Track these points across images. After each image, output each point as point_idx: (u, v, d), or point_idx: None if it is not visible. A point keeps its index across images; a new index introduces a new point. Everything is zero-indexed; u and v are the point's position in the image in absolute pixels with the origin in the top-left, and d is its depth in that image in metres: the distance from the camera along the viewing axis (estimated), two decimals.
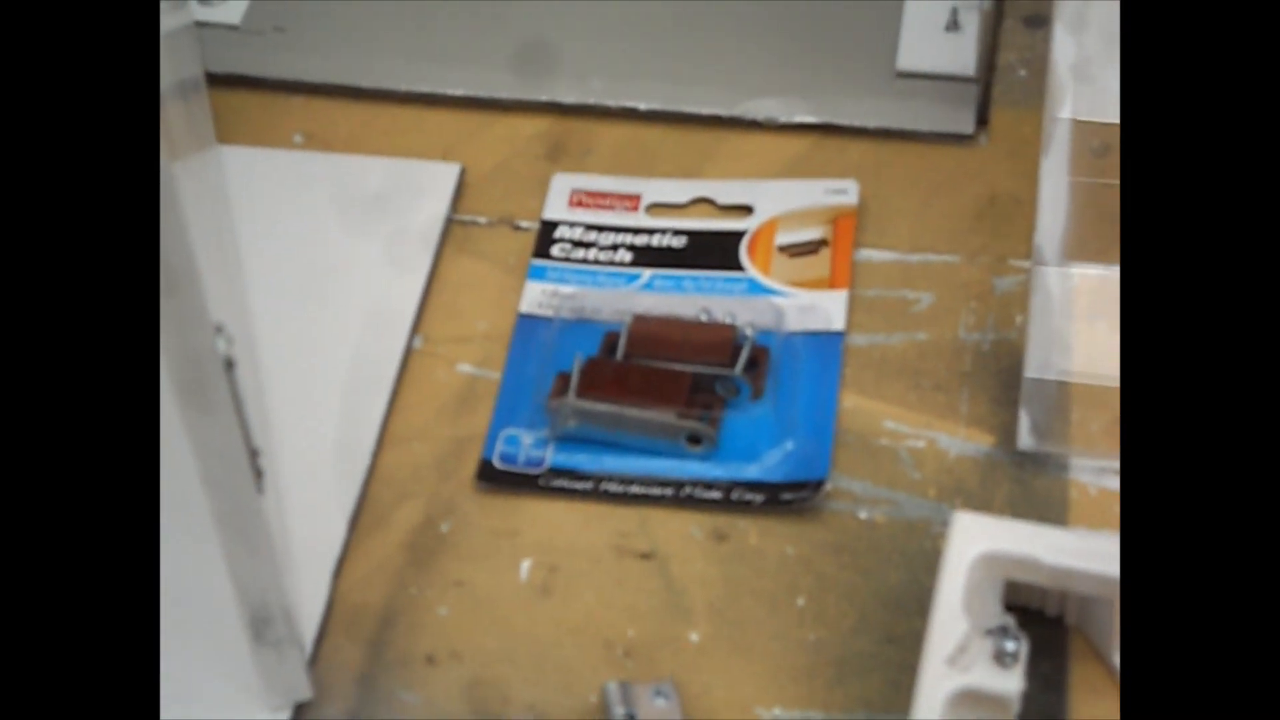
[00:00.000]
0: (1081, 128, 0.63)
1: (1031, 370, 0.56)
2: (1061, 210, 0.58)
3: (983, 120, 0.65)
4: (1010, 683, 0.47)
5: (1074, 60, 0.60)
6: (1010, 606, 0.51)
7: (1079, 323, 0.59)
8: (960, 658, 0.47)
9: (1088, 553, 0.49)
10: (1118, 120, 0.63)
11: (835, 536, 0.55)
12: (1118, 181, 0.61)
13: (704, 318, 0.59)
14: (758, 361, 0.58)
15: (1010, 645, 0.47)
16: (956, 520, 0.50)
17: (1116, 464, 0.55)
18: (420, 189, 0.65)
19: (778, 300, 0.60)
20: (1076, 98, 0.61)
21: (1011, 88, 0.67)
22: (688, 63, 0.67)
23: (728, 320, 0.59)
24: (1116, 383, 0.56)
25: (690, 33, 0.69)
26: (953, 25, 0.68)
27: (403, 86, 0.68)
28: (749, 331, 0.58)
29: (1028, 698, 0.47)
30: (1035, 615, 0.51)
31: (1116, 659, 0.50)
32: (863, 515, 0.55)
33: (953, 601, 0.48)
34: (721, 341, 0.58)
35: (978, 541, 0.49)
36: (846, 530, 0.55)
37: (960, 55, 0.66)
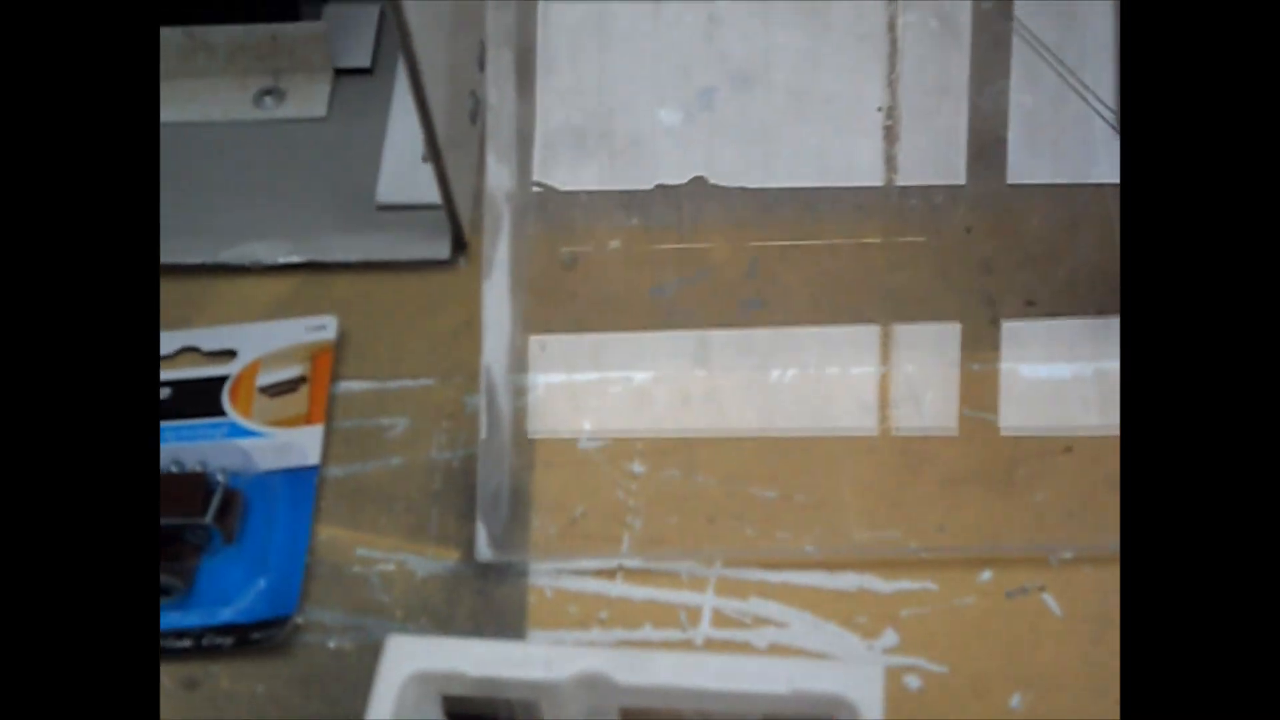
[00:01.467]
0: (551, 240, 0.67)
1: (484, 483, 0.59)
2: (506, 328, 0.62)
3: (460, 245, 0.68)
4: None
5: (509, 187, 0.63)
6: (463, 715, 0.53)
7: (551, 424, 0.62)
8: None
9: (507, 661, 0.51)
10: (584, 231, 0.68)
11: (304, 669, 0.56)
12: (584, 289, 0.65)
13: (175, 469, 0.60)
14: (230, 505, 0.59)
15: None
16: (388, 643, 0.52)
17: (573, 565, 0.58)
18: None
19: (247, 442, 0.61)
20: (526, 219, 0.65)
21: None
22: (171, 214, 0.69)
23: (198, 468, 0.60)
24: (571, 491, 0.60)
25: (171, 182, 0.71)
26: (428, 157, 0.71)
27: None
28: (220, 477, 0.60)
29: None
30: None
31: None
32: (332, 645, 0.57)
33: None
34: (192, 491, 0.59)
35: (409, 662, 0.52)
36: (315, 662, 0.56)
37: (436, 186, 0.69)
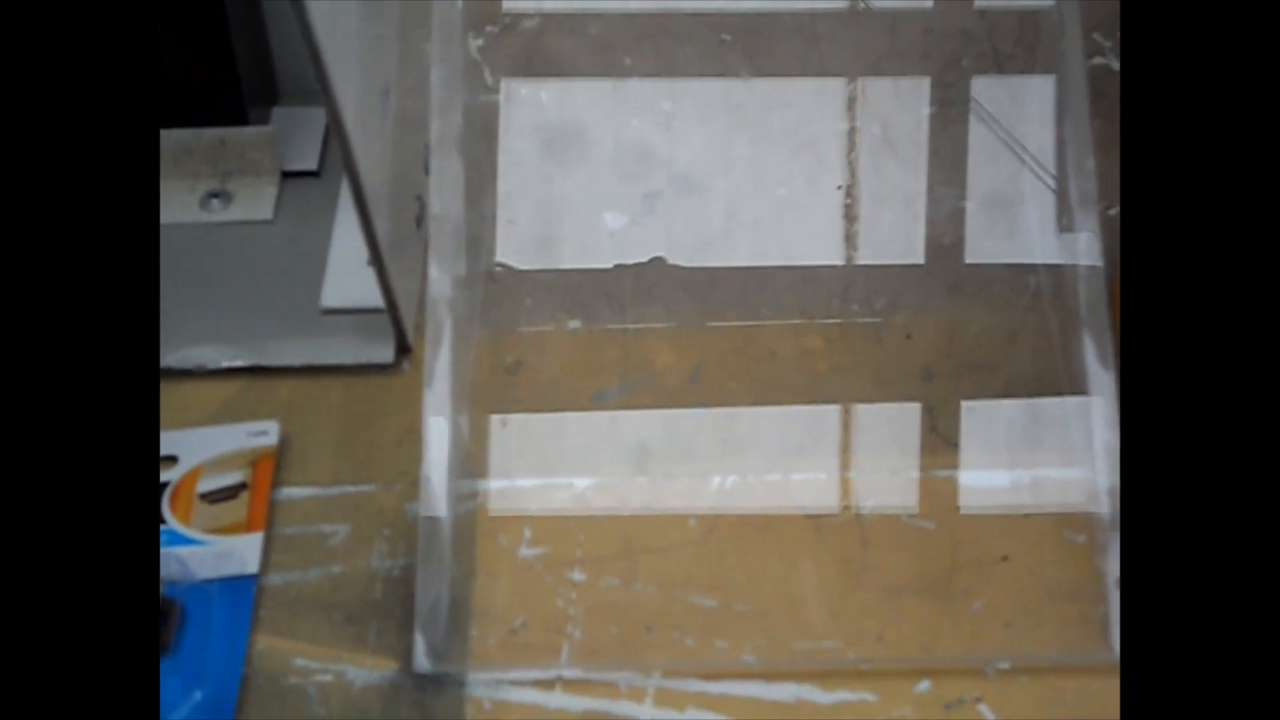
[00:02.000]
0: (495, 345, 0.67)
1: (422, 593, 0.59)
2: (446, 436, 0.62)
3: (404, 349, 0.69)
4: None
5: (451, 294, 0.64)
6: None
7: (492, 532, 0.62)
8: None
9: None
10: (532, 331, 0.68)
11: None
12: (527, 394, 0.66)
13: None
14: (167, 616, 0.59)
15: None
16: None
17: (512, 675, 0.58)
18: None
19: (185, 550, 0.61)
20: (470, 325, 0.65)
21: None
22: None
23: None
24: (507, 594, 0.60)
25: None
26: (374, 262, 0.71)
27: None
28: None
29: None
30: None
31: None
32: None
33: None
34: None
35: None
36: None
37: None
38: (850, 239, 0.70)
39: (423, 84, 0.66)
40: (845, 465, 0.63)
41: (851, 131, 0.71)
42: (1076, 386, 0.63)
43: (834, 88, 0.73)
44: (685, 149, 0.72)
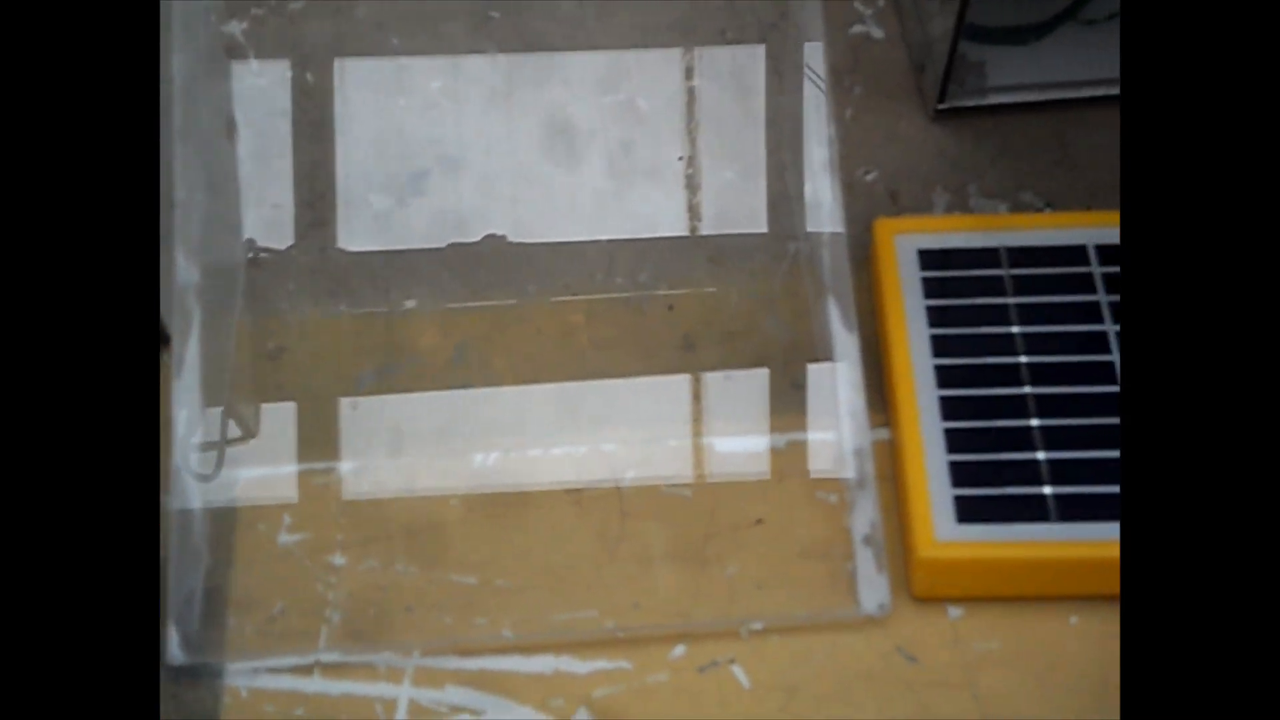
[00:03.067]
0: (257, 332, 0.66)
1: (175, 585, 0.58)
2: (198, 426, 0.61)
3: (165, 339, 0.68)
4: None
5: (199, 282, 0.63)
6: None
7: (250, 520, 0.62)
8: None
9: None
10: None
11: None
12: (289, 380, 0.65)
13: None
14: None
15: None
16: None
17: (270, 663, 0.58)
18: None
19: None
20: (227, 313, 0.65)
21: None
22: None
23: None
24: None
25: None
26: None
27: None
28: None
29: None
30: None
31: None
32: None
33: None
34: None
35: None
36: None
37: None
38: (612, 214, 0.70)
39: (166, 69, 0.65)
40: (604, 437, 0.64)
41: (617, 104, 0.72)
42: (825, 352, 0.64)
43: (598, 62, 0.74)
44: (452, 129, 0.72)
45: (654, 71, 0.73)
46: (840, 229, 0.65)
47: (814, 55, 0.71)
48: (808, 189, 0.67)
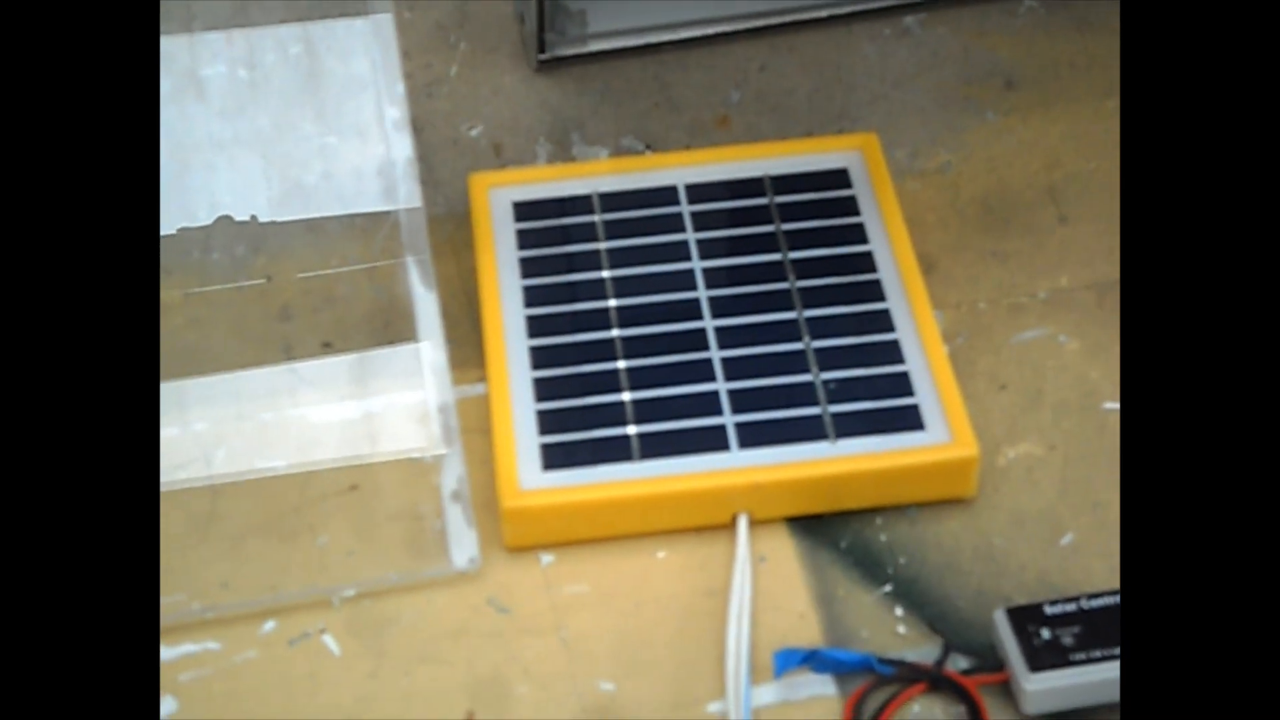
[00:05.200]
0: None
1: None
2: None
3: None
4: None
5: None
6: None
7: None
8: None
9: None
10: None
11: None
12: None
13: None
14: None
15: None
16: None
17: None
18: None
19: None
20: None
21: None
22: None
23: None
24: None
25: None
26: None
27: None
28: None
29: None
30: None
31: None
32: None
33: None
34: None
35: None
36: None
37: None
38: (218, 188, 0.69)
39: None
40: (194, 416, 0.63)
41: (227, 77, 0.70)
42: (409, 313, 0.63)
43: (210, 40, 0.72)
44: None
45: (264, 43, 0.71)
46: (414, 186, 0.64)
47: (384, 27, 0.69)
48: (385, 150, 0.66)
